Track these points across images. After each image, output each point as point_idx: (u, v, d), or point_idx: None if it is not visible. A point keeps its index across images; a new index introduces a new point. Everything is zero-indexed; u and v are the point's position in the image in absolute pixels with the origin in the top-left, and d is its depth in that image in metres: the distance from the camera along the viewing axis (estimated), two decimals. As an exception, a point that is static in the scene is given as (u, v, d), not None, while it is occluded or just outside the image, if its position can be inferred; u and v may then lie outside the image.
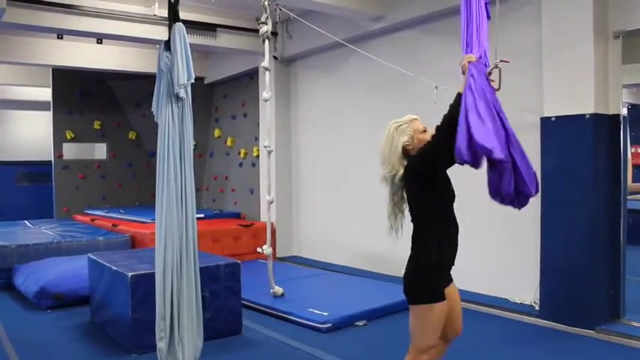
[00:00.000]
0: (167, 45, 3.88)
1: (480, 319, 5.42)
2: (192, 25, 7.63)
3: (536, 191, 2.63)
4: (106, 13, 7.33)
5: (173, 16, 3.91)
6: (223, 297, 4.89)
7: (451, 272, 2.93)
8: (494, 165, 2.59)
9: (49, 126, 11.51)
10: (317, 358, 4.44)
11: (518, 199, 2.63)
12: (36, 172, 13.46)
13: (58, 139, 11.26)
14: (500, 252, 5.87)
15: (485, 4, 3.02)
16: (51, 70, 10.88)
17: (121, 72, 10.24)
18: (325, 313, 5.23)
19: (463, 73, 2.73)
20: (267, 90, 6.10)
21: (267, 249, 6.05)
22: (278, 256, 8.57)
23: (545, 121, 5.12)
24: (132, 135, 11.90)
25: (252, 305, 5.80)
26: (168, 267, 3.79)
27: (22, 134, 14.02)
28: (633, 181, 10.46)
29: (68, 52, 9.33)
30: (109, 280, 4.95)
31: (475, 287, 5.81)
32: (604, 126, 4.90)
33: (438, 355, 2.94)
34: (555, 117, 5.04)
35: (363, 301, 5.70)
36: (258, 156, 9.63)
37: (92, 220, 9.75)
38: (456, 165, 2.71)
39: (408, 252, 2.87)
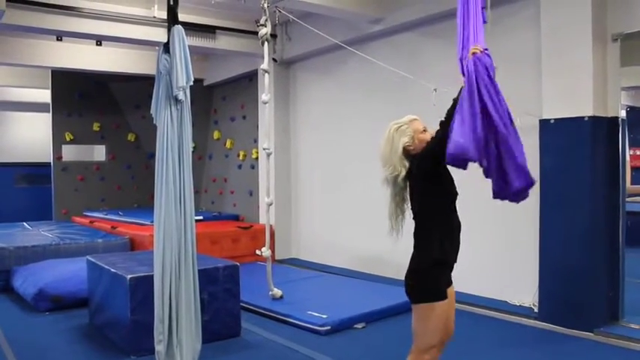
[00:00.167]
0: (166, 47, 3.88)
1: (478, 321, 5.42)
2: (191, 27, 7.63)
3: (525, 185, 2.60)
4: (106, 15, 7.33)
5: (172, 19, 3.92)
6: (222, 299, 4.89)
7: (451, 274, 2.93)
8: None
9: (48, 128, 11.51)
10: (316, 361, 4.44)
11: (511, 195, 2.63)
12: (35, 173, 13.44)
13: (57, 141, 11.25)
14: (499, 254, 5.87)
15: (482, 8, 3.02)
16: (50, 71, 10.88)
17: (121, 74, 10.24)
18: (324, 316, 5.23)
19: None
20: (266, 92, 6.10)
21: (266, 251, 6.05)
22: (277, 258, 8.56)
23: (544, 124, 5.12)
24: (131, 137, 11.90)
25: (251, 308, 5.79)
26: (167, 269, 3.79)
27: (21, 136, 14.01)
28: (632, 184, 10.47)
29: (67, 54, 9.33)
30: (107, 282, 4.95)
31: (474, 289, 5.81)
32: (603, 128, 4.90)
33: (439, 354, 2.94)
34: (554, 119, 5.05)
35: (362, 304, 5.70)
36: (257, 158, 9.63)
37: (91, 222, 9.74)
38: (454, 171, 2.72)
39: (407, 254, 2.88)
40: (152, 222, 4.12)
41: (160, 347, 3.80)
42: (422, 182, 2.80)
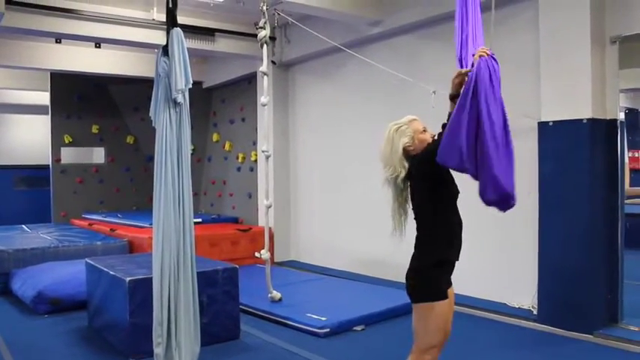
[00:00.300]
0: (165, 50, 3.89)
1: (477, 323, 5.42)
2: (190, 30, 7.64)
3: (497, 198, 2.54)
4: (105, 17, 7.33)
5: (171, 21, 3.92)
6: (221, 302, 4.88)
7: (452, 273, 2.92)
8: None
9: (47, 130, 11.50)
10: (315, 363, 4.44)
11: (495, 204, 2.61)
12: (34, 176, 13.43)
13: (56, 143, 11.24)
14: (498, 256, 5.87)
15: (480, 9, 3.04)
16: (49, 74, 10.87)
17: (120, 76, 10.25)
18: (323, 318, 5.23)
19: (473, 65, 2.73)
20: (265, 94, 6.11)
21: (265, 253, 6.05)
22: (276, 260, 8.56)
23: (543, 126, 5.13)
24: (130, 139, 11.89)
25: (250, 310, 5.79)
26: (166, 272, 3.79)
27: (20, 138, 14.00)
28: (630, 186, 10.48)
29: (66, 57, 9.33)
30: (106, 285, 4.94)
31: (473, 291, 5.81)
32: (601, 131, 4.91)
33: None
34: (553, 122, 5.05)
35: (361, 306, 5.69)
36: (256, 160, 9.63)
37: (90, 224, 9.74)
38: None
39: (406, 256, 2.88)
40: (151, 224, 4.12)
41: (158, 350, 3.79)
42: (422, 183, 2.80)
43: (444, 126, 2.79)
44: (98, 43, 8.53)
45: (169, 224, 3.81)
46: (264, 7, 5.88)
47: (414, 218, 2.88)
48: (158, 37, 7.38)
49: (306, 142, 8.88)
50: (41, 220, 11.27)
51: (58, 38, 8.22)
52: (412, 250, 2.87)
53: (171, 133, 3.84)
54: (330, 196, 8.33)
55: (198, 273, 4.04)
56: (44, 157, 11.94)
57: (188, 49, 3.92)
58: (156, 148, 3.86)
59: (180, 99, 3.82)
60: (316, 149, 8.64)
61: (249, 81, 9.88)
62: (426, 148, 2.79)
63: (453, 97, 2.88)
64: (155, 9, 7.52)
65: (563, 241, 4.99)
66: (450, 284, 2.91)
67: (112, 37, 7.63)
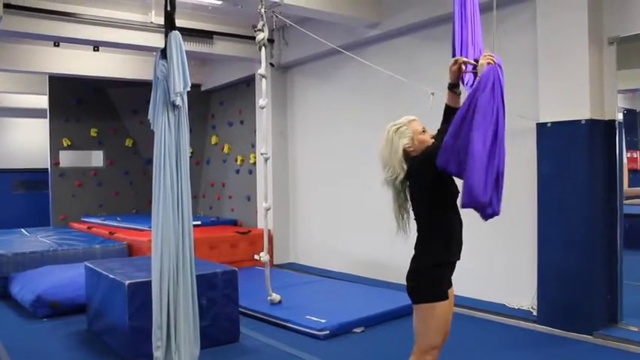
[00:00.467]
0: (163, 53, 3.89)
1: (477, 324, 5.42)
2: (188, 33, 7.64)
3: (466, 203, 2.62)
4: (103, 20, 7.33)
5: (169, 24, 3.93)
6: (220, 304, 4.88)
7: (452, 273, 2.93)
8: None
9: (46, 133, 11.49)
10: (315, 366, 4.44)
11: (471, 208, 2.66)
12: (32, 179, 13.41)
13: (55, 147, 11.24)
14: (497, 257, 5.87)
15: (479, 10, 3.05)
16: (47, 77, 10.87)
17: (118, 79, 10.24)
18: (323, 320, 5.22)
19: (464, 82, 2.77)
20: (263, 97, 6.11)
21: (264, 256, 6.04)
22: (275, 263, 8.55)
23: (541, 127, 5.13)
24: (129, 142, 11.89)
25: (250, 313, 5.78)
26: (165, 275, 3.79)
27: (19, 142, 13.98)
28: (629, 186, 10.49)
29: (64, 60, 9.32)
30: (106, 288, 4.94)
31: (472, 293, 5.81)
32: (599, 131, 4.92)
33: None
34: (551, 123, 5.05)
35: (361, 308, 5.69)
36: (255, 163, 9.63)
37: (89, 228, 9.74)
38: None
39: (406, 258, 2.88)
40: (150, 227, 4.12)
41: (158, 353, 3.79)
42: (421, 184, 2.80)
43: (439, 132, 2.81)
44: (96, 46, 8.53)
45: (168, 227, 3.81)
46: (263, 10, 5.88)
47: (414, 219, 2.88)
48: (156, 40, 7.37)
49: (305, 144, 8.88)
50: (40, 223, 11.25)
51: (57, 42, 8.22)
52: (412, 252, 2.87)
53: (169, 135, 3.84)
54: (329, 198, 8.33)
55: (197, 276, 4.04)
56: (43, 160, 11.93)
57: (186, 51, 3.92)
58: (155, 151, 3.87)
59: (178, 102, 3.82)
60: (315, 151, 8.64)
61: (248, 83, 9.88)
62: (425, 150, 2.79)
63: (452, 86, 2.90)
64: (153, 12, 7.52)
65: (562, 241, 4.99)
66: (450, 284, 2.91)
67: (110, 41, 7.62)
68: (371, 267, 7.37)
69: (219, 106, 11.16)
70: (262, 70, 6.07)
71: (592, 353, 4.55)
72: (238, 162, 10.26)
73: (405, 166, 2.80)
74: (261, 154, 6.26)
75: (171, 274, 3.81)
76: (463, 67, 2.86)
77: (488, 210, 2.63)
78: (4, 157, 13.65)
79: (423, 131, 2.86)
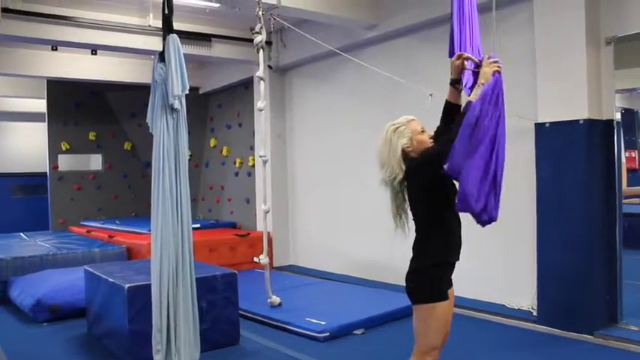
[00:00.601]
0: (161, 56, 3.90)
1: (477, 325, 5.42)
2: (186, 36, 7.64)
3: (457, 209, 2.74)
4: (101, 24, 7.34)
5: (167, 27, 3.93)
6: (220, 307, 4.88)
7: (452, 273, 2.93)
8: None
9: (44, 137, 11.48)
10: (315, 368, 4.44)
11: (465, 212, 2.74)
12: (31, 183, 13.40)
13: (54, 151, 11.22)
14: (496, 257, 5.87)
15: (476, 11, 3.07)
16: (45, 81, 10.86)
17: (116, 83, 10.24)
18: (323, 322, 5.22)
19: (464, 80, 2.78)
20: (261, 99, 6.11)
21: (263, 258, 6.04)
22: (275, 265, 8.54)
23: (540, 127, 5.14)
24: (127, 146, 11.88)
25: (250, 315, 5.78)
26: (165, 278, 3.79)
27: (17, 146, 13.98)
28: (628, 185, 10.51)
29: (62, 64, 9.32)
30: (105, 292, 4.93)
31: (472, 293, 5.81)
32: (598, 131, 4.92)
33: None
34: (549, 123, 5.06)
35: (361, 310, 5.69)
36: (253, 165, 9.63)
37: (88, 231, 9.72)
38: None
39: (405, 259, 2.88)
40: (149, 231, 4.12)
41: (158, 357, 3.79)
42: (419, 186, 2.80)
43: (436, 134, 2.82)
44: (94, 49, 8.53)
45: (168, 230, 3.81)
46: (260, 12, 5.88)
47: (413, 219, 2.87)
48: (154, 44, 7.37)
49: (304, 146, 8.88)
50: (39, 227, 11.23)
51: (55, 45, 8.22)
52: (410, 253, 2.86)
53: (168, 139, 3.84)
54: (328, 200, 8.33)
55: (197, 279, 4.04)
56: (41, 164, 11.92)
57: (184, 54, 3.93)
58: (153, 155, 3.87)
59: (177, 105, 3.83)
60: (314, 153, 8.64)
61: (246, 86, 9.88)
62: (425, 152, 2.78)
63: (454, 82, 2.89)
64: (151, 15, 7.53)
65: (561, 241, 4.99)
66: (450, 284, 2.91)
67: (108, 44, 7.62)
68: (371, 268, 7.37)
69: (217, 109, 11.16)
70: (260, 72, 6.07)
71: (592, 353, 4.55)
72: (237, 165, 10.26)
73: (404, 167, 2.78)
74: (260, 156, 6.26)
75: (170, 277, 3.81)
76: (466, 63, 2.86)
77: (483, 217, 2.69)
78: (3, 161, 13.65)
79: (422, 131, 2.85)
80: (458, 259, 2.87)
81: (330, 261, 8.17)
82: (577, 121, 4.87)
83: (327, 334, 5.06)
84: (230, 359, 4.67)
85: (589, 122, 4.84)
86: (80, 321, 5.62)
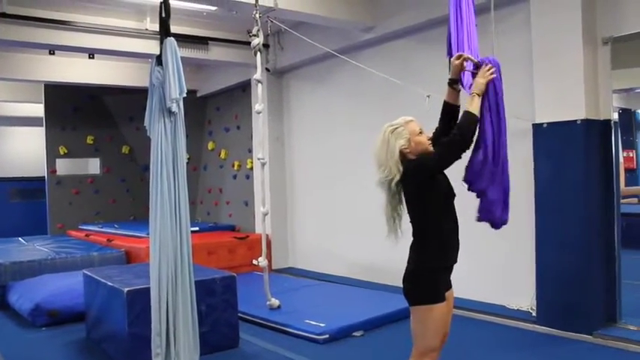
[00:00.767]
0: (159, 59, 3.89)
1: (476, 325, 5.42)
2: (183, 39, 7.65)
3: (489, 220, 2.98)
4: (98, 28, 7.35)
5: (164, 31, 3.93)
6: (220, 310, 4.87)
7: (450, 275, 2.93)
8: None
9: (42, 142, 11.47)
10: (315, 370, 4.43)
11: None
12: (29, 188, 13.38)
13: (51, 155, 11.22)
14: (495, 258, 5.87)
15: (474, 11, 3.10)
16: (43, 85, 10.86)
17: (114, 87, 10.25)
18: (322, 324, 5.22)
19: (463, 83, 2.84)
20: (259, 102, 6.11)
21: (262, 261, 6.04)
22: (274, 267, 8.53)
23: (537, 128, 5.15)
24: (125, 149, 11.88)
25: (249, 318, 5.77)
26: (163, 281, 3.78)
27: (15, 150, 13.98)
28: (625, 185, 10.53)
29: (60, 68, 9.32)
30: (104, 296, 4.92)
31: (471, 294, 5.80)
32: (595, 131, 4.93)
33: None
34: (547, 123, 5.07)
35: (360, 312, 5.69)
36: (252, 168, 9.63)
37: (86, 235, 9.71)
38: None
39: (403, 261, 2.87)
40: (148, 234, 4.11)
41: (158, 360, 3.78)
42: (416, 188, 2.79)
43: (435, 136, 2.84)
44: (92, 53, 8.53)
45: (166, 233, 3.80)
46: (257, 15, 5.88)
47: (410, 222, 2.87)
48: (152, 47, 7.38)
49: (302, 148, 8.88)
50: (37, 232, 11.21)
51: (52, 50, 8.22)
52: (409, 251, 2.86)
53: (166, 142, 3.84)
54: (326, 202, 8.33)
55: (196, 282, 4.04)
56: (39, 168, 11.91)
57: (182, 58, 3.93)
58: (151, 158, 3.87)
59: (174, 108, 3.83)
60: (312, 155, 8.64)
61: (244, 89, 9.89)
62: (424, 156, 2.78)
63: (452, 82, 2.91)
64: (148, 19, 7.54)
65: (560, 241, 5.00)
66: (449, 286, 2.90)
67: (105, 48, 7.63)
68: (370, 270, 7.37)
69: (215, 112, 11.16)
70: (258, 75, 6.08)
71: (592, 353, 4.55)
72: (235, 167, 10.26)
73: (401, 168, 2.77)
74: (258, 159, 6.26)
75: (169, 281, 3.81)
76: (465, 64, 2.87)
77: (504, 219, 2.95)
78: (1, 165, 13.64)
79: (420, 132, 2.84)
80: (455, 261, 2.87)
81: (329, 263, 8.16)
82: (574, 121, 4.88)
83: (327, 336, 5.05)
84: (230, 362, 4.67)
85: (586, 122, 4.85)
86: (79, 325, 5.61)
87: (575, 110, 4.89)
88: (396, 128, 2.82)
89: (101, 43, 7.49)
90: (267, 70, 8.53)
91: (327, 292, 6.98)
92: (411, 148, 2.79)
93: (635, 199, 10.79)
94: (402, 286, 2.86)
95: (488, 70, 2.84)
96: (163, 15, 3.94)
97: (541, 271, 5.17)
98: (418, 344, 2.82)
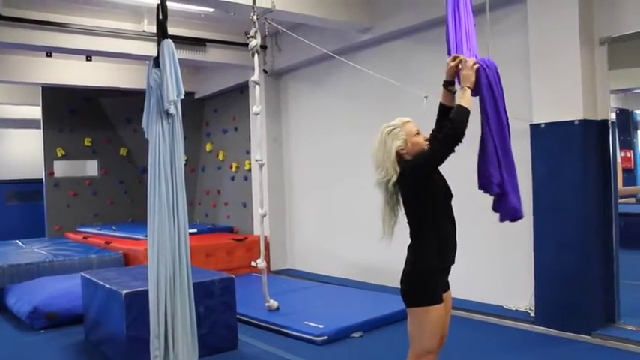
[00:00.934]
0: (156, 61, 3.89)
1: (475, 326, 5.42)
2: (181, 41, 7.64)
3: (508, 219, 3.05)
4: (95, 30, 7.34)
5: (162, 32, 3.93)
6: (218, 312, 4.87)
7: (447, 276, 2.93)
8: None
9: (40, 144, 11.45)
10: (314, 371, 4.43)
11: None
12: (27, 190, 13.36)
13: (49, 157, 11.19)
14: (494, 259, 5.88)
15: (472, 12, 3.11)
16: (40, 88, 10.85)
17: (111, 89, 10.23)
18: (321, 326, 5.22)
19: (460, 81, 2.85)
20: (257, 103, 6.11)
21: (261, 262, 6.03)
22: (272, 269, 8.53)
23: (535, 128, 5.15)
24: (123, 151, 11.86)
25: (248, 319, 5.76)
26: (162, 283, 3.78)
27: (13, 153, 13.95)
28: (623, 185, 10.54)
29: (57, 70, 9.31)
30: (102, 298, 4.91)
31: (470, 295, 5.81)
32: (593, 132, 4.93)
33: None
34: (544, 124, 5.08)
35: (359, 313, 5.69)
36: (250, 170, 9.62)
37: (85, 237, 9.68)
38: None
39: (401, 262, 2.87)
40: (146, 236, 4.11)
41: (156, 362, 3.77)
42: (412, 189, 2.79)
43: (432, 137, 2.84)
44: (89, 55, 8.54)
45: (164, 235, 3.80)
46: (255, 17, 5.89)
47: (407, 223, 2.87)
48: (149, 49, 7.37)
49: (300, 149, 8.88)
50: (35, 234, 11.18)
51: (49, 52, 8.21)
52: (407, 252, 2.86)
53: (164, 144, 3.83)
54: (324, 203, 8.33)
55: (194, 284, 4.03)
56: (37, 171, 11.89)
57: (179, 59, 3.93)
58: (149, 160, 3.86)
59: (172, 110, 3.82)
60: (310, 156, 8.64)
61: (241, 90, 9.89)
62: (419, 156, 2.78)
63: (447, 84, 2.93)
64: (145, 21, 7.53)
65: (558, 242, 5.00)
66: (447, 287, 2.90)
67: (102, 50, 7.63)
68: (368, 271, 7.36)
69: (213, 114, 11.16)
70: (255, 76, 6.08)
71: (590, 353, 4.56)
72: (233, 169, 10.26)
73: (398, 169, 2.78)
74: (256, 160, 6.26)
75: (168, 283, 3.80)
76: (460, 65, 2.88)
77: (521, 211, 3.03)
78: (-2, 168, 13.62)
79: (417, 133, 2.85)
80: (453, 262, 2.87)
81: (327, 264, 8.16)
82: (572, 121, 4.88)
83: (325, 337, 5.05)
84: (228, 364, 4.67)
85: (584, 123, 4.85)
86: (77, 328, 5.60)
87: (572, 111, 4.89)
88: (393, 129, 2.83)
89: (98, 45, 7.48)
90: (265, 71, 8.52)
91: (325, 293, 6.98)
92: (408, 149, 2.80)
93: (633, 199, 10.81)
94: (399, 286, 2.86)
95: (471, 61, 2.87)
96: (160, 17, 3.93)
97: (539, 272, 5.17)
98: (415, 346, 2.81)
